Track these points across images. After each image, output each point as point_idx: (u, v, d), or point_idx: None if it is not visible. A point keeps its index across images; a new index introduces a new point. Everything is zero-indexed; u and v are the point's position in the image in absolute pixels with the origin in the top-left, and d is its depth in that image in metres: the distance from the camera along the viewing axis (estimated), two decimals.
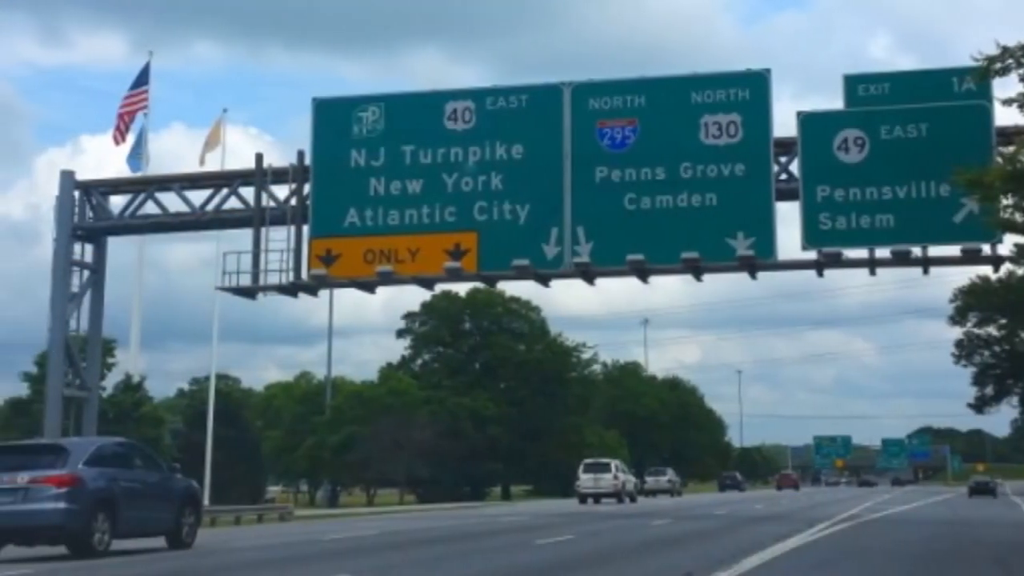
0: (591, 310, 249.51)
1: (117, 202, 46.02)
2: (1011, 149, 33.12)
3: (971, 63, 29.73)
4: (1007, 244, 37.73)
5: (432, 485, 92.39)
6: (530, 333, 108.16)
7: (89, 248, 45.88)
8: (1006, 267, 42.00)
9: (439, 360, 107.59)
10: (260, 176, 43.28)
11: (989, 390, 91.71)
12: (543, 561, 21.84)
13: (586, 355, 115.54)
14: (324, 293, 50.95)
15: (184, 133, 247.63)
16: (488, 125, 41.10)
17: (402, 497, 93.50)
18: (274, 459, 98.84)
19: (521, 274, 41.72)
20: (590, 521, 40.11)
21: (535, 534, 30.66)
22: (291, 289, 43.10)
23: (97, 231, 46.01)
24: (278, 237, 42.68)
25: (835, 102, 40.86)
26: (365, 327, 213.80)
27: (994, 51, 27.98)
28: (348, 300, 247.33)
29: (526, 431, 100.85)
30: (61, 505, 23.40)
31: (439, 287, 51.23)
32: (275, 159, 45.51)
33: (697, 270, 40.92)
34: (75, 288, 45.22)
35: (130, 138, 59.31)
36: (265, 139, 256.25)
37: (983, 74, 29.94)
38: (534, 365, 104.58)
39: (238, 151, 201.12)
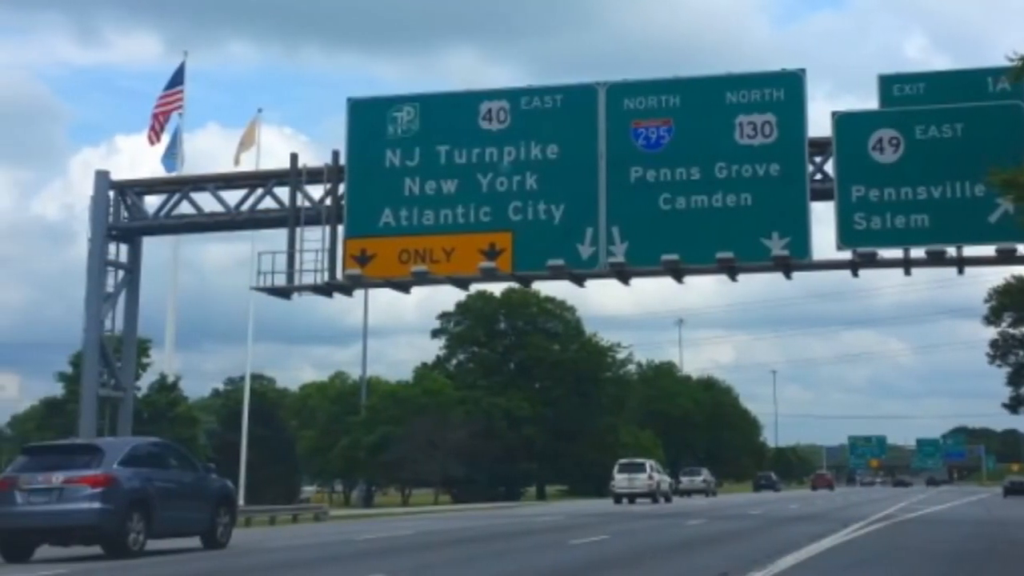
0: (626, 310, 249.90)
1: (152, 202, 46.07)
2: None
3: (1006, 63, 29.61)
4: None
5: (467, 485, 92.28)
6: (565, 333, 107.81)
7: (124, 248, 45.93)
8: None
9: (474, 360, 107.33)
10: (295, 176, 43.31)
11: None
12: (577, 561, 21.86)
13: (621, 355, 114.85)
14: (359, 293, 51.04)
15: (219, 133, 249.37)
16: (523, 125, 41.03)
17: (437, 497, 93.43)
18: (309, 459, 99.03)
19: (556, 274, 41.66)
20: (624, 521, 40.08)
21: (569, 534, 30.68)
22: (326, 289, 43.13)
23: (132, 231, 46.09)
24: (313, 237, 42.71)
25: (870, 102, 40.77)
26: (400, 327, 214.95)
27: None
28: (383, 300, 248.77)
29: (561, 431, 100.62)
30: (96, 505, 23.48)
31: (474, 287, 51.30)
32: (310, 159, 45.76)
33: (732, 270, 40.79)
34: (110, 288, 45.24)
35: (165, 138, 59.83)
36: (300, 139, 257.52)
37: (1018, 74, 29.74)
38: (569, 365, 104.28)
39: (273, 151, 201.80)
